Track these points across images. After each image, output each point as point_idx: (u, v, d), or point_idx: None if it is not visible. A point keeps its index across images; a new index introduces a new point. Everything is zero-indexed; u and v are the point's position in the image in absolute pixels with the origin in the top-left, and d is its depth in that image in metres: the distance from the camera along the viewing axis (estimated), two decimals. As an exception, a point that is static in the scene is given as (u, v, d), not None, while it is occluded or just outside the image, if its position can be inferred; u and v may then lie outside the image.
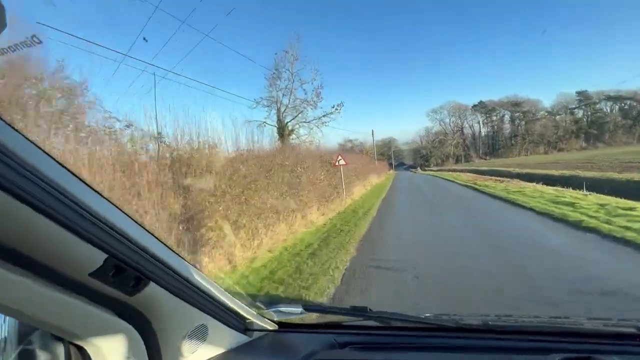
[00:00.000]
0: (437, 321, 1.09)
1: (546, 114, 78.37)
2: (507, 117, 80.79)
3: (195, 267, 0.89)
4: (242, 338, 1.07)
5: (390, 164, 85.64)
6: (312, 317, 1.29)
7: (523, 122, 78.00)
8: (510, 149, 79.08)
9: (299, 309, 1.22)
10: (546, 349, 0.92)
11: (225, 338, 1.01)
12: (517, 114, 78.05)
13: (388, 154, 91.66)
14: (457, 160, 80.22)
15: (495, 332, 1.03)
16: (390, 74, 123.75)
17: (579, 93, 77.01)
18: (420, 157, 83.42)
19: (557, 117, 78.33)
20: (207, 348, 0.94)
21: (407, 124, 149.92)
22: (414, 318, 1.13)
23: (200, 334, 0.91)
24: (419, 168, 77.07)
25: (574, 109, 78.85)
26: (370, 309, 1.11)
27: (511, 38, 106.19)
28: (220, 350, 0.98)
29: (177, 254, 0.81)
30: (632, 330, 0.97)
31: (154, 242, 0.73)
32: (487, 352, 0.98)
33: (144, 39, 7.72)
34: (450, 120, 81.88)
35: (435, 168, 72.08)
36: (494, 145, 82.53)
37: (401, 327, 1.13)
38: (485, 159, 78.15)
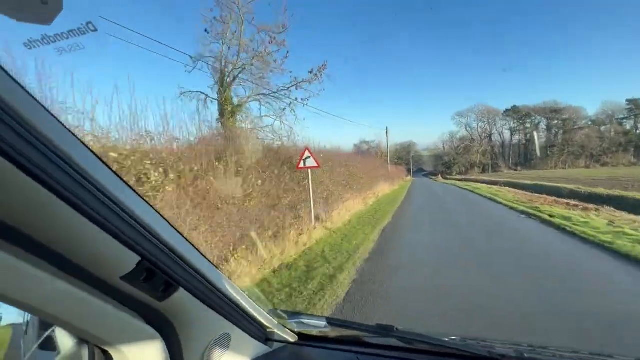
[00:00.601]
0: (465, 347, 1.04)
1: (589, 123, 69.61)
2: (542, 125, 72.59)
3: (223, 273, 0.87)
4: (262, 348, 1.03)
5: (409, 170, 79.42)
6: (334, 332, 1.21)
7: (561, 131, 69.62)
8: (545, 160, 70.90)
9: (323, 323, 1.16)
10: None
11: (247, 348, 0.98)
12: (556, 121, 69.77)
13: (407, 159, 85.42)
14: (484, 170, 72.86)
15: None
16: (413, 72, 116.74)
17: (629, 101, 67.95)
18: (442, 163, 76.54)
19: (602, 127, 69.49)
20: (229, 357, 0.90)
21: (429, 127, 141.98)
22: (441, 342, 1.06)
23: (223, 343, 0.88)
24: (439, 176, 70.36)
25: (623, 119, 69.82)
26: (396, 328, 1.08)
27: (549, 39, 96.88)
28: None
29: (208, 260, 0.80)
30: None
31: (186, 247, 0.71)
32: None
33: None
34: (478, 125, 74.65)
35: (458, 177, 65.31)
36: (525, 155, 74.49)
37: (427, 350, 1.08)
38: (516, 170, 70.44)
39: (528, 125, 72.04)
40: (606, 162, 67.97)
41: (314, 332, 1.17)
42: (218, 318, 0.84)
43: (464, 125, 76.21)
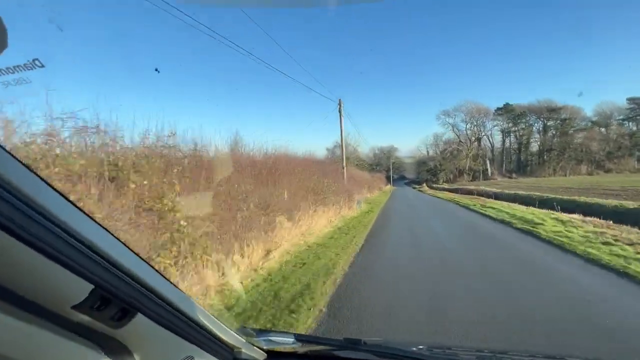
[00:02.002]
0: (432, 356, 1.09)
1: (590, 124, 61.48)
2: (537, 126, 63.98)
3: (183, 292, 0.84)
4: None
5: (388, 178, 68.82)
6: (303, 348, 1.21)
7: (559, 133, 61.06)
8: (542, 166, 62.07)
9: (291, 339, 1.16)
10: None
11: None
12: (553, 122, 61.19)
13: (387, 165, 75.08)
14: (474, 177, 63.18)
15: None
16: (393, 68, 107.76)
17: (631, 100, 60.47)
18: (427, 170, 66.36)
19: (601, 129, 61.57)
20: None
21: (411, 131, 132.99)
22: (408, 352, 1.10)
23: None
24: (424, 184, 59.84)
25: (623, 120, 62.23)
26: (364, 342, 1.09)
27: (538, 34, 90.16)
28: None
29: (169, 280, 0.76)
30: None
31: (144, 269, 0.67)
32: None
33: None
34: (466, 126, 65.11)
35: (446, 185, 55.24)
36: (518, 160, 65.52)
37: None
38: (511, 177, 61.13)
39: (522, 126, 63.23)
40: (609, 168, 60.00)
41: (283, 349, 1.15)
42: (180, 341, 0.80)
43: (450, 126, 66.65)
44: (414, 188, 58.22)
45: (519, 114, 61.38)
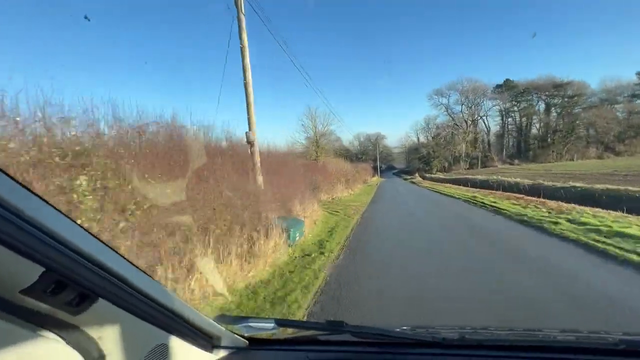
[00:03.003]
0: (414, 336, 1.09)
1: (598, 101, 54.55)
2: (539, 106, 56.71)
3: (153, 278, 0.79)
4: (208, 357, 0.98)
5: (375, 168, 60.62)
6: (286, 333, 1.21)
7: (564, 113, 53.98)
8: (545, 150, 55.13)
9: (271, 324, 1.12)
10: None
11: (190, 358, 0.91)
12: (558, 99, 53.94)
13: (374, 154, 66.98)
14: (471, 165, 55.76)
15: (471, 347, 1.03)
16: (379, 40, 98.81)
17: (642, 74, 53.82)
18: (419, 158, 58.43)
19: (613, 106, 54.87)
20: None
21: (399, 118, 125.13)
22: (391, 332, 1.09)
23: (159, 355, 0.80)
24: (416, 174, 51.89)
25: (633, 97, 55.62)
26: (345, 323, 1.06)
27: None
28: None
29: (135, 266, 0.73)
30: (603, 344, 0.98)
31: (106, 253, 0.64)
32: None
33: None
34: (462, 107, 57.20)
35: (441, 175, 47.60)
36: (519, 145, 58.40)
37: (376, 342, 1.09)
38: (512, 164, 54.00)
39: (525, 105, 55.79)
40: (620, 150, 53.63)
41: (265, 335, 1.15)
42: (151, 328, 0.77)
43: (444, 108, 58.62)
44: (405, 179, 50.17)
45: (522, 91, 53.85)
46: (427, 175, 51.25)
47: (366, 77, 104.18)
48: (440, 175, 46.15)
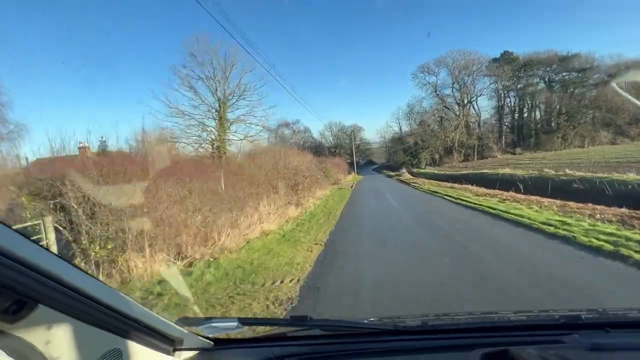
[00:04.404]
0: (377, 325, 1.11)
1: (606, 77, 46.42)
2: (540, 84, 47.83)
3: (101, 281, 0.78)
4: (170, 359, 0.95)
5: (351, 164, 49.71)
6: (255, 331, 1.22)
7: (573, 91, 45.39)
8: (551, 135, 46.53)
9: (234, 323, 1.10)
10: (473, 344, 0.94)
11: None
12: (565, 75, 45.23)
13: (350, 148, 56.22)
14: (466, 157, 46.19)
15: (431, 332, 1.05)
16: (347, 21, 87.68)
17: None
18: (404, 150, 47.94)
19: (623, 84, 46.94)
20: None
21: (377, 109, 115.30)
22: (355, 324, 1.12)
23: None
24: (404, 170, 41.43)
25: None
26: (310, 318, 1.06)
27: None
28: None
29: (76, 266, 0.70)
30: (545, 321, 1.09)
31: (40, 255, 0.60)
32: (422, 353, 0.99)
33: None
34: (452, 86, 47.25)
35: (435, 170, 37.55)
36: (520, 130, 49.49)
37: (342, 334, 1.10)
38: (514, 153, 44.97)
39: (523, 82, 46.66)
40: (632, 134, 46.01)
41: (232, 335, 1.14)
42: (102, 333, 0.74)
43: (431, 87, 48.46)
44: (389, 176, 39.56)
45: (524, 64, 44.59)
46: (415, 170, 41.08)
47: (338, 60, 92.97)
48: (435, 171, 35.91)
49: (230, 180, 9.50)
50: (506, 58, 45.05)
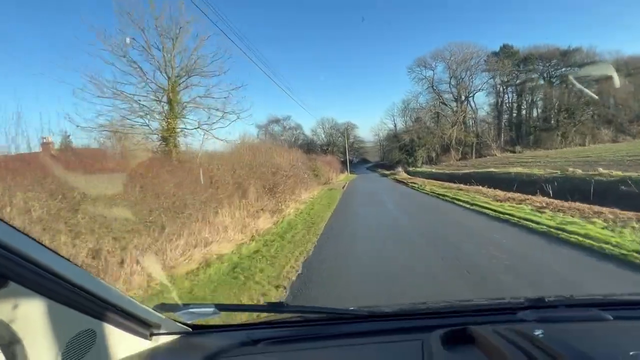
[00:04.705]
0: (352, 311, 1.12)
1: (608, 75, 44.85)
2: (539, 80, 46.00)
3: (75, 264, 0.80)
4: (147, 343, 0.96)
5: (344, 162, 47.22)
6: (233, 317, 1.26)
7: (573, 86, 43.69)
8: (551, 133, 44.87)
9: (211, 309, 1.09)
10: (438, 325, 0.97)
11: (124, 345, 0.88)
12: (565, 71, 43.56)
13: (343, 146, 53.72)
14: (464, 155, 44.18)
15: (401, 316, 1.10)
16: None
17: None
18: (399, 147, 45.63)
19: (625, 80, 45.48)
20: (95, 355, 0.80)
21: (371, 107, 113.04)
22: (330, 310, 1.14)
23: (87, 340, 0.78)
24: (400, 168, 39.19)
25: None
26: (286, 304, 1.10)
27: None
28: (116, 358, 0.86)
29: (53, 251, 0.71)
30: (508, 304, 1.12)
31: (15, 236, 0.61)
32: (392, 334, 1.01)
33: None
34: (450, 80, 45.10)
35: (433, 169, 35.31)
36: (519, 127, 47.68)
37: (317, 319, 1.13)
38: (514, 152, 43.13)
39: (523, 77, 44.75)
40: (635, 132, 44.59)
41: (209, 321, 1.14)
42: (75, 314, 0.75)
43: (428, 82, 46.23)
44: (384, 175, 37.23)
45: (524, 58, 42.66)
46: (411, 169, 38.83)
47: (333, 57, 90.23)
48: (432, 170, 33.65)
49: (174, 181, 6.87)
50: (506, 52, 43.06)
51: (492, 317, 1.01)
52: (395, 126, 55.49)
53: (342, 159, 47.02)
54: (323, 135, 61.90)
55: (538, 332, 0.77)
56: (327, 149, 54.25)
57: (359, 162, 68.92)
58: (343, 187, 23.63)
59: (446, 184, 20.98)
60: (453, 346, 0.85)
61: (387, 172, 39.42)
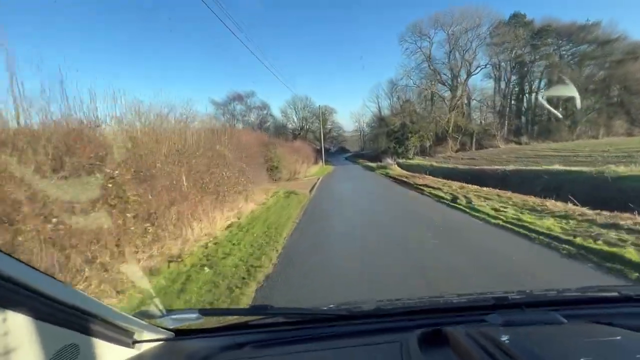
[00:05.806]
0: (334, 311, 1.15)
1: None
2: (553, 55, 39.04)
3: (52, 276, 0.76)
4: (130, 352, 0.94)
5: (319, 151, 38.22)
6: (216, 321, 1.23)
7: (593, 66, 37.16)
8: (559, 123, 38.43)
9: (195, 315, 1.11)
10: (414, 326, 1.01)
11: (107, 356, 0.87)
12: (588, 47, 36.70)
13: (320, 132, 44.63)
14: (462, 145, 36.77)
15: (381, 316, 1.13)
16: None
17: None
18: (387, 134, 37.14)
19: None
20: None
21: (355, 92, 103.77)
22: (312, 310, 1.16)
23: (69, 357, 0.76)
24: (389, 160, 30.77)
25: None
26: (270, 306, 1.11)
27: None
28: None
29: (26, 264, 0.69)
30: (478, 302, 1.16)
31: None
32: (372, 335, 1.04)
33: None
34: (450, 54, 36.95)
35: (435, 162, 27.34)
36: (525, 116, 40.83)
37: (301, 321, 1.14)
38: (520, 143, 36.27)
39: (535, 54, 37.54)
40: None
41: (193, 326, 1.13)
42: (56, 329, 0.73)
43: (423, 56, 37.76)
44: (371, 169, 28.69)
45: (539, 30, 35.25)
46: (402, 161, 30.75)
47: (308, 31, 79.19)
48: (433, 163, 25.51)
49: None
50: (518, 21, 35.41)
51: (464, 318, 1.06)
52: (379, 109, 47.15)
53: (318, 147, 38.17)
54: (295, 118, 52.36)
55: (504, 338, 0.81)
56: (300, 133, 45.01)
57: (337, 151, 60.35)
58: (312, 189, 14.75)
59: (467, 185, 12.89)
60: (429, 348, 0.89)
61: (373, 165, 31.00)
